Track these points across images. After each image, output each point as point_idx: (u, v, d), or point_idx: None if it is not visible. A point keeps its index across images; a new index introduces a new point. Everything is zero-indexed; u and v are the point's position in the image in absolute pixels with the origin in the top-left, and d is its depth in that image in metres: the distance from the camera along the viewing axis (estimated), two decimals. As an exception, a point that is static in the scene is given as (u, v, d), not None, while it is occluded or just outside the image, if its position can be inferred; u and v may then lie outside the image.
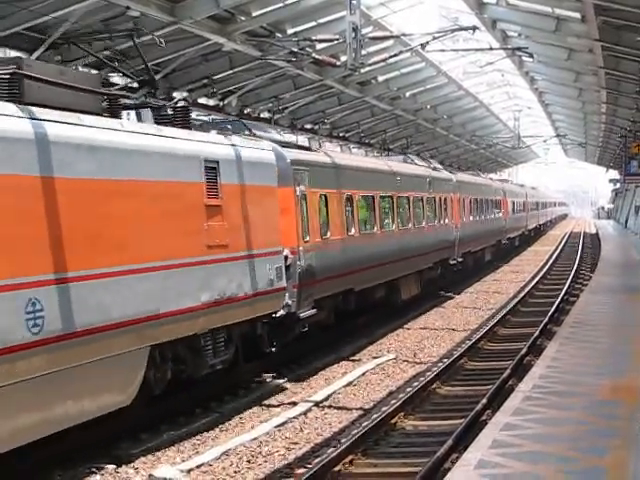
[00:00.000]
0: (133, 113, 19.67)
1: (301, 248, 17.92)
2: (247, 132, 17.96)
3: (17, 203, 10.02)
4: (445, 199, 32.28)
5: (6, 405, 9.76)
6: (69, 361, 10.65)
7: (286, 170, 17.55)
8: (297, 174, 18.17)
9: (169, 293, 12.74)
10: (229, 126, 17.92)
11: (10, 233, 9.83)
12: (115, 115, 12.74)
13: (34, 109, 10.64)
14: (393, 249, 24.68)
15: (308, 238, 18.38)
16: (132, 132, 12.48)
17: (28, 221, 10.18)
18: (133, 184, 12.19)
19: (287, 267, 17.10)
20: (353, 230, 21.55)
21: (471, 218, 37.46)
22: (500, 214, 46.55)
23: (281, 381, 16.89)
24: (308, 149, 21.52)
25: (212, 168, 14.35)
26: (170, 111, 14.68)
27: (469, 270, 37.14)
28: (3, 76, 10.72)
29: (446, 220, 32.23)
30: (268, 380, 16.86)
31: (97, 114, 12.13)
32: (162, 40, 17.16)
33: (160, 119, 14.38)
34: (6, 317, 9.65)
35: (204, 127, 16.97)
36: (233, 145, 15.45)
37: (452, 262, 32.73)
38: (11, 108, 10.25)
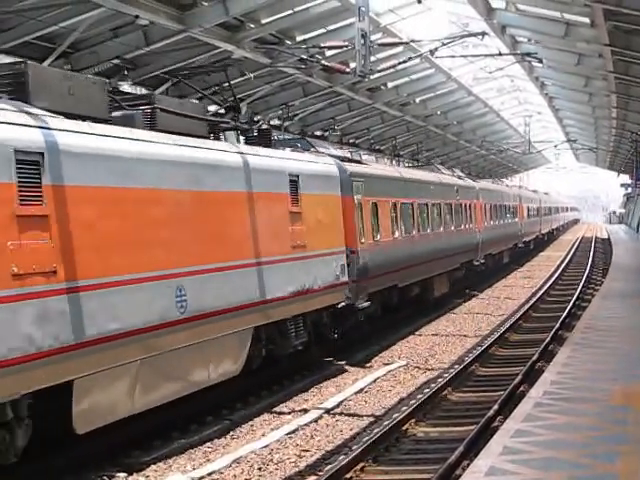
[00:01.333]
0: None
1: (358, 248, 20.60)
2: (312, 149, 21.12)
3: (170, 211, 12.90)
4: (469, 205, 35.19)
5: (157, 370, 12.36)
6: (200, 336, 13.33)
7: (347, 181, 20.46)
8: (355, 185, 20.98)
9: (267, 285, 15.57)
10: (298, 144, 20.99)
11: (167, 235, 12.74)
12: (216, 137, 15.79)
13: (165, 135, 13.33)
14: (428, 250, 27.37)
15: (363, 240, 21.13)
16: (238, 153, 15.40)
17: (178, 225, 13.03)
18: (244, 195, 15.18)
19: (347, 265, 19.58)
20: (397, 233, 24.46)
21: (492, 223, 40.42)
22: (516, 219, 49.25)
23: (342, 362, 19.29)
24: (360, 162, 24.84)
25: (294, 181, 17.25)
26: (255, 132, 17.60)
27: (490, 271, 39.72)
28: (146, 110, 13.62)
29: (470, 224, 35.01)
30: (330, 361, 19.35)
31: (204, 137, 14.91)
32: (252, 75, 21.60)
33: (248, 140, 17.36)
34: (164, 300, 12.49)
35: (277, 145, 19.13)
36: (308, 161, 18.50)
37: (476, 263, 35.50)
38: (149, 134, 12.97)
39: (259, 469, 11.73)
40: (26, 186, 10.16)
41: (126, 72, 21.59)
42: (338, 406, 15.41)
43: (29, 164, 10.25)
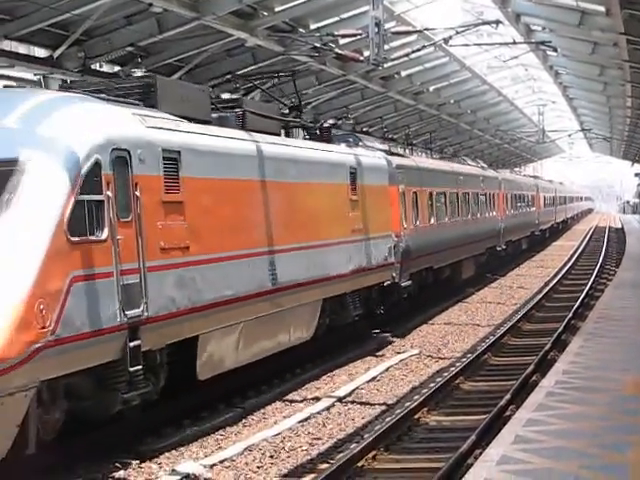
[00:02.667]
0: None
1: (402, 233, 23.20)
2: (360, 143, 23.46)
3: (264, 199, 15.23)
4: (493, 194, 38.11)
5: (254, 331, 14.68)
6: (285, 305, 15.73)
7: (393, 173, 22.90)
8: (399, 176, 23.51)
9: (333, 263, 18.01)
10: (350, 139, 23.28)
11: (262, 218, 15.14)
12: (287, 133, 18.35)
13: (254, 134, 15.64)
14: (458, 236, 30.05)
15: (406, 225, 23.78)
16: (311, 149, 17.99)
17: (269, 210, 15.35)
18: (316, 185, 17.62)
19: (393, 247, 21.99)
20: (432, 220, 27.18)
21: (512, 211, 43.35)
22: (534, 208, 52.36)
23: (386, 334, 21.49)
24: (402, 155, 27.53)
25: (353, 173, 19.73)
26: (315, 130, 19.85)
27: (509, 257, 42.23)
28: (237, 112, 15.84)
29: (493, 212, 37.91)
30: (377, 335, 21.45)
31: (277, 134, 17.21)
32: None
33: (311, 136, 19.48)
34: (262, 272, 14.97)
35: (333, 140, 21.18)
36: (363, 155, 21.03)
37: (498, 249, 38.36)
38: (241, 133, 15.24)
39: (271, 457, 11.76)
40: (169, 178, 12.57)
41: (139, 60, 21.58)
42: (350, 394, 15.43)
43: (171, 160, 12.65)
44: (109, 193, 11.21)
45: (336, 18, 23.96)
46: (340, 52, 22.98)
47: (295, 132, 22.26)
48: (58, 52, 19.35)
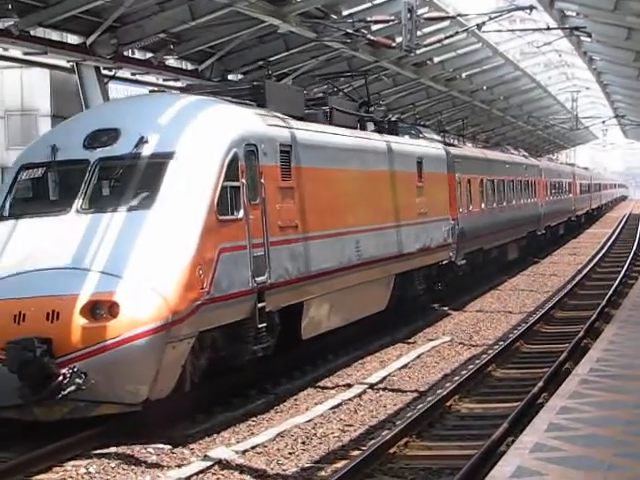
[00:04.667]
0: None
1: (458, 216, 25.53)
2: (421, 135, 25.42)
3: (350, 186, 17.43)
4: (534, 181, 40.44)
5: (342, 300, 16.73)
6: (367, 278, 17.80)
7: (450, 162, 25.21)
8: (456, 164, 25.82)
9: (403, 242, 20.13)
10: (413, 131, 25.21)
11: (350, 202, 17.34)
12: (362, 127, 19.77)
13: (337, 128, 17.64)
14: (504, 220, 32.32)
15: (461, 210, 26.14)
16: (386, 141, 20.06)
17: (354, 195, 17.57)
18: (391, 173, 19.84)
19: (451, 229, 24.18)
20: (483, 205, 29.63)
21: (551, 198, 45.57)
22: (570, 195, 54.62)
23: (445, 308, 23.85)
24: (457, 145, 30.21)
25: (419, 162, 21.96)
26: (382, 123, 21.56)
27: (548, 242, 43.86)
28: (325, 109, 17.91)
29: (535, 199, 40.16)
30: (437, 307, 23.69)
31: (356, 128, 19.15)
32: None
33: (380, 130, 20.87)
34: (350, 248, 17.18)
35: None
36: (426, 146, 23.49)
37: (538, 233, 40.38)
38: (322, 127, 17.03)
39: (303, 443, 11.76)
40: (283, 167, 14.77)
41: (172, 46, 21.61)
42: (382, 381, 15.41)
43: (285, 152, 14.86)
44: (243, 180, 13.40)
45: (368, 4, 23.88)
46: (372, 38, 22.92)
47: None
48: (91, 39, 19.41)
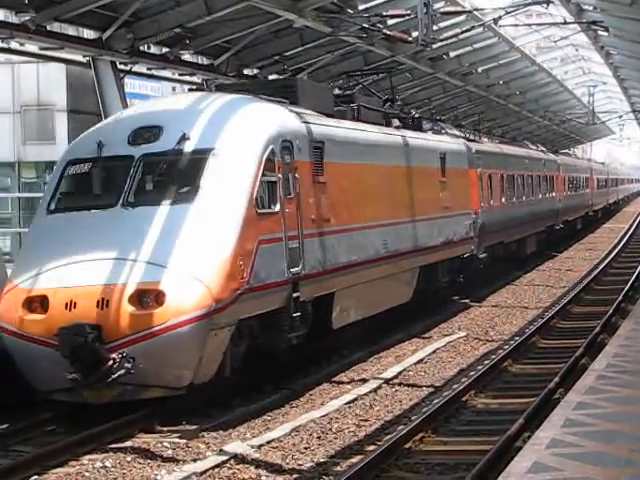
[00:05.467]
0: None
1: (480, 210, 26.11)
2: (443, 131, 26.00)
3: (378, 180, 18.05)
4: (553, 177, 41.30)
5: (369, 291, 17.26)
6: (393, 270, 18.50)
7: (472, 157, 25.95)
8: (477, 160, 26.53)
9: (428, 236, 20.79)
10: (435, 127, 25.83)
11: (377, 196, 17.98)
12: (387, 123, 20.40)
13: (364, 125, 18.30)
14: (523, 214, 32.99)
15: (483, 204, 26.71)
16: (413, 137, 20.86)
17: (382, 190, 18.23)
18: (417, 169, 20.42)
19: (472, 223, 24.80)
20: (503, 199, 30.31)
21: (569, 193, 46.37)
22: (588, 190, 55.29)
23: (466, 300, 24.38)
24: (477, 141, 30.31)
25: (442, 158, 22.61)
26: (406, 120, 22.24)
27: (567, 236, 44.35)
28: (352, 107, 18.55)
29: (553, 193, 40.94)
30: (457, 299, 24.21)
31: (382, 124, 19.81)
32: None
33: (404, 126, 21.51)
34: (377, 241, 17.76)
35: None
36: (449, 142, 24.24)
37: (556, 228, 40.82)
38: (351, 124, 17.71)
39: (318, 438, 11.76)
40: (316, 163, 15.39)
41: (187, 41, 21.59)
42: (397, 376, 15.40)
43: (317, 149, 15.51)
44: (280, 175, 14.02)
45: (384, -2, 23.78)
46: (388, 33, 22.84)
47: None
48: (107, 34, 19.38)
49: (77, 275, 12.38)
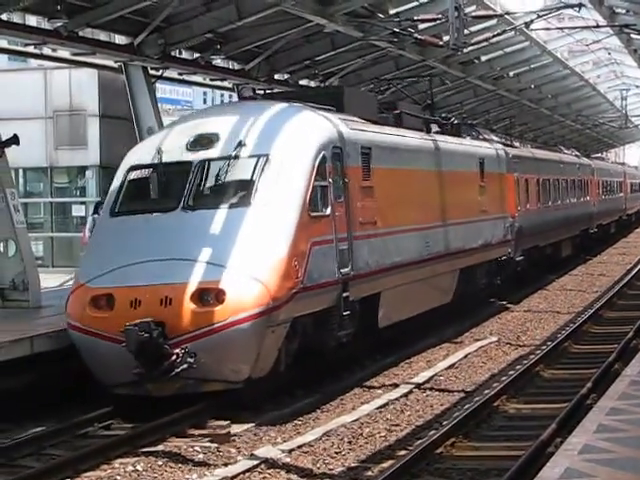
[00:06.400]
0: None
1: (517, 214, 26.47)
2: (481, 136, 26.12)
3: (420, 185, 18.75)
4: (587, 181, 41.68)
5: (413, 291, 17.95)
6: (435, 272, 19.08)
7: (509, 162, 26.41)
8: (514, 165, 27.02)
9: (467, 238, 21.36)
10: (473, 132, 25.74)
11: (419, 200, 18.64)
12: (428, 129, 20.88)
13: (407, 131, 18.95)
14: (559, 218, 33.43)
15: (519, 208, 27.10)
16: (454, 143, 21.77)
17: (423, 194, 18.92)
18: (457, 173, 21.19)
19: (510, 226, 25.31)
20: (539, 203, 30.73)
21: (603, 197, 46.62)
22: (621, 194, 55.65)
23: (504, 302, 24.90)
24: (515, 147, 30.79)
25: (481, 163, 23.27)
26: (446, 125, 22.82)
27: (601, 240, 44.14)
28: (395, 113, 19.28)
29: (587, 197, 41.17)
30: (494, 301, 24.53)
31: (422, 130, 20.36)
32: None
33: (444, 131, 22.08)
34: (420, 244, 18.42)
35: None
36: (487, 147, 24.76)
37: (590, 231, 40.92)
38: (395, 130, 18.36)
39: (349, 442, 11.74)
40: (364, 168, 16.06)
41: (219, 46, 21.66)
42: (428, 381, 15.34)
43: (365, 154, 16.15)
44: (330, 180, 14.64)
45: (415, 3, 23.73)
46: (419, 37, 22.81)
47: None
48: (138, 39, 19.50)
49: (141, 275, 12.98)
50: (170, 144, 14.48)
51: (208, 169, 14.08)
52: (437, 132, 21.61)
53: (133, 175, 14.55)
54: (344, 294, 14.72)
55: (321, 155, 14.49)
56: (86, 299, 13.09)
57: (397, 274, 17.06)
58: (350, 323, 15.00)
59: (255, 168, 13.81)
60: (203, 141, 14.30)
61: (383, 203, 16.68)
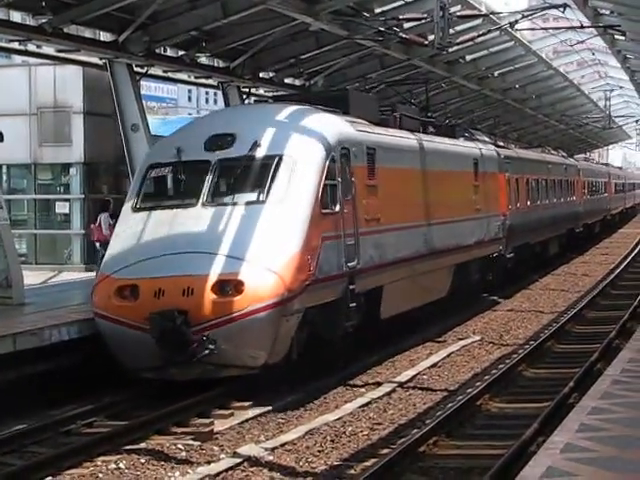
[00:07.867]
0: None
1: (507, 213, 27.24)
2: (474, 137, 26.79)
3: (419, 183, 19.63)
4: (573, 181, 42.40)
5: (412, 285, 18.82)
6: (432, 267, 19.85)
7: (501, 162, 27.31)
8: (505, 165, 27.84)
9: (462, 235, 22.32)
10: (467, 134, 26.61)
11: (419, 198, 19.69)
12: (424, 130, 21.70)
13: (406, 132, 19.89)
14: (547, 217, 34.18)
15: (510, 207, 27.92)
16: (450, 144, 22.68)
17: (423, 192, 19.83)
18: (453, 173, 22.21)
19: (501, 224, 26.12)
20: (528, 202, 31.45)
21: (588, 197, 47.38)
22: (606, 194, 56.28)
23: (495, 297, 25.79)
24: (506, 147, 31.85)
25: (475, 163, 24.24)
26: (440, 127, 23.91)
27: (586, 239, 44.76)
28: (395, 116, 20.18)
29: (574, 197, 41.96)
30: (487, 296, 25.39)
31: (419, 131, 21.12)
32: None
33: (439, 133, 22.98)
34: (419, 240, 19.36)
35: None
36: (481, 148, 25.52)
37: (576, 230, 41.62)
38: (396, 131, 19.34)
39: (332, 441, 11.75)
40: (369, 168, 16.90)
41: (204, 44, 21.63)
42: (411, 380, 15.37)
43: (370, 155, 16.97)
44: (339, 179, 15.48)
45: (401, 2, 23.73)
46: (404, 36, 22.84)
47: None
48: (123, 36, 19.46)
49: (164, 266, 13.75)
50: (188, 144, 15.24)
51: (226, 168, 14.80)
52: (433, 133, 22.45)
53: (153, 173, 15.33)
54: (351, 286, 15.52)
55: (331, 155, 15.30)
56: (112, 289, 13.87)
57: (399, 268, 17.94)
58: (356, 314, 15.73)
59: (270, 167, 14.63)
60: (220, 141, 15.07)
61: (386, 201, 17.44)
